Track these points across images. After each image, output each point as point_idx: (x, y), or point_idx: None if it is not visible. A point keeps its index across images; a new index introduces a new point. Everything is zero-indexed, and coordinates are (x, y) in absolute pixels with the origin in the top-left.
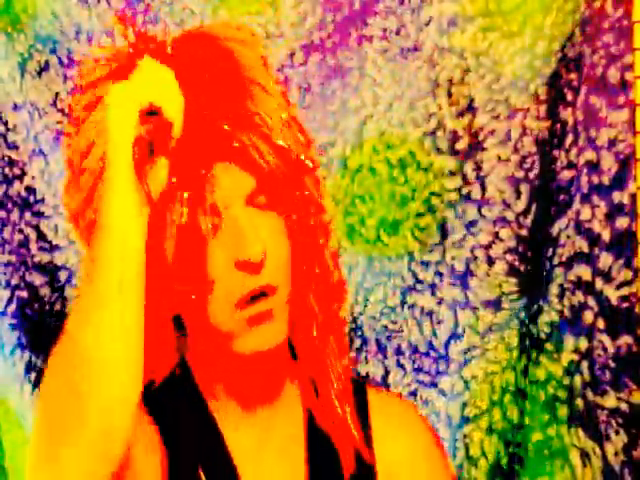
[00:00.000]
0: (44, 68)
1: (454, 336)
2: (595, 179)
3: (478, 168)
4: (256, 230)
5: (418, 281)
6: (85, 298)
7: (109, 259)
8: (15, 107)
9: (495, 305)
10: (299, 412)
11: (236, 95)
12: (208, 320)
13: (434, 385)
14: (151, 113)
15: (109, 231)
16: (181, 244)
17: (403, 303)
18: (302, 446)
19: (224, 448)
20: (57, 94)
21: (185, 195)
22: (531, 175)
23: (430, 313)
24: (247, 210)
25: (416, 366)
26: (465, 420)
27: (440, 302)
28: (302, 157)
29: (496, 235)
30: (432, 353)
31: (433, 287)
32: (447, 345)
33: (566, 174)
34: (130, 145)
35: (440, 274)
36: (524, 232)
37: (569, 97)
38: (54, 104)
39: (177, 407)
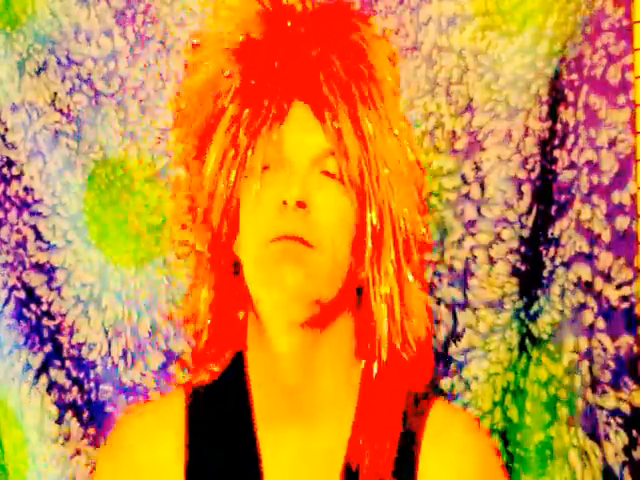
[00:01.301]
0: (43, 68)
1: (453, 336)
2: (595, 179)
3: (477, 168)
4: (305, 182)
5: None
6: None
7: None
8: (14, 107)
9: (497, 306)
10: (344, 433)
11: (358, 70)
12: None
13: (433, 385)
14: None
15: None
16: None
17: None
18: (339, 470)
19: (257, 461)
20: (55, 94)
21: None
22: (533, 176)
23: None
24: (312, 169)
25: None
26: None
27: (439, 302)
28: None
29: (497, 235)
30: None
31: (432, 287)
32: (446, 345)
33: (567, 174)
34: None
35: (439, 274)
36: (526, 233)
37: (570, 97)
38: (52, 104)
39: (219, 412)
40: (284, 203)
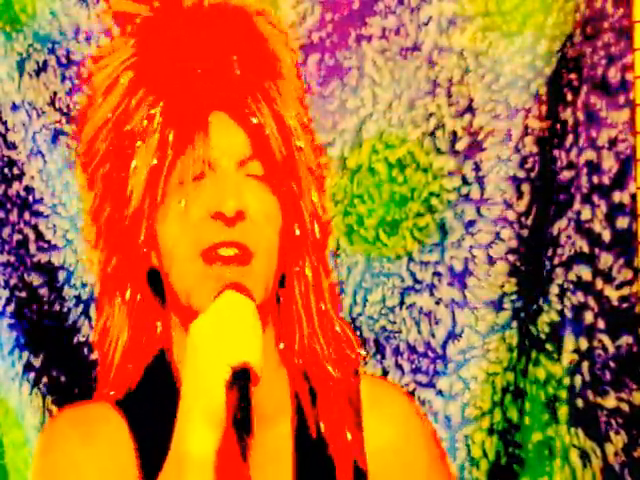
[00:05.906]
0: (42, 68)
1: (452, 336)
2: (595, 179)
3: (477, 168)
4: (239, 190)
5: (417, 281)
6: None
7: None
8: (14, 107)
9: (496, 305)
10: (287, 417)
11: (254, 63)
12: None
13: (432, 385)
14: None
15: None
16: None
17: (402, 303)
18: (289, 453)
19: None
20: (55, 94)
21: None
22: (532, 175)
23: (429, 313)
24: (238, 172)
25: (414, 366)
26: (466, 421)
27: (439, 302)
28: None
29: (497, 235)
30: (430, 353)
31: (432, 287)
32: (445, 345)
33: (566, 174)
34: (222, 402)
35: (439, 274)
36: (525, 232)
37: (569, 97)
38: (52, 104)
39: (155, 408)
40: (218, 214)
